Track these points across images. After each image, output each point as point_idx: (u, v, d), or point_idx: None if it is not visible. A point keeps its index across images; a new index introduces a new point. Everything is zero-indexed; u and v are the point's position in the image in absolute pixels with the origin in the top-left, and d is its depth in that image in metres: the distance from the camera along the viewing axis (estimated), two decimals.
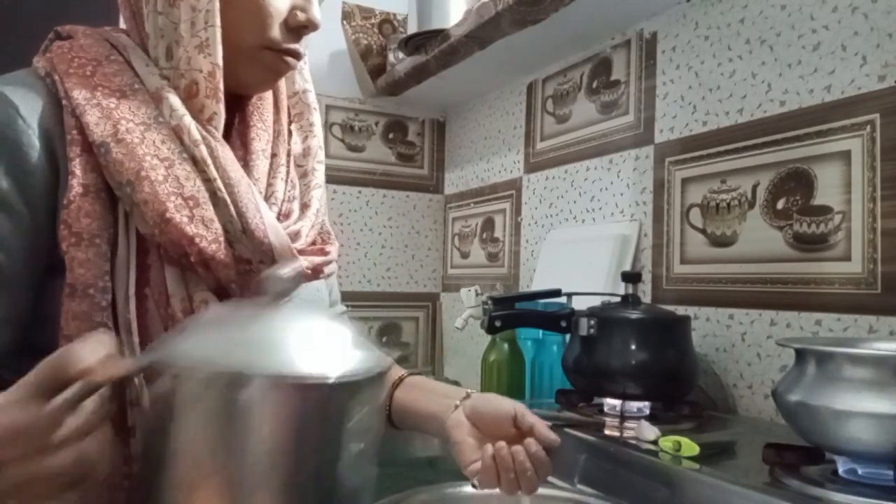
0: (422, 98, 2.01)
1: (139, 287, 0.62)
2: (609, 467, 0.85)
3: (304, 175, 0.76)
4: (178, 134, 0.64)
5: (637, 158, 1.41)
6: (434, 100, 2.06)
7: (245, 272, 0.65)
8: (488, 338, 1.45)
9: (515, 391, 1.40)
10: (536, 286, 1.62)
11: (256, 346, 0.46)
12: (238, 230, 0.64)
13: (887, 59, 0.97)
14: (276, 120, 0.76)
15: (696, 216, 1.26)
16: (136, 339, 0.60)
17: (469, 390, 0.80)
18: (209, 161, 0.64)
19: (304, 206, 0.73)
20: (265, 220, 0.65)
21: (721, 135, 1.22)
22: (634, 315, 1.07)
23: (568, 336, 1.16)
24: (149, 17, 0.68)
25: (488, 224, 1.96)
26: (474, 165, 2.04)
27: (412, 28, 1.71)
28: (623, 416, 1.01)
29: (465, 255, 2.06)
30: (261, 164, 0.71)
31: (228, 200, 0.64)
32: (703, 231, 1.24)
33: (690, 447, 0.81)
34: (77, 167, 0.61)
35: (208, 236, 0.62)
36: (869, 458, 0.68)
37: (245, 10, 0.67)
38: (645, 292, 1.34)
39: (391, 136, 2.10)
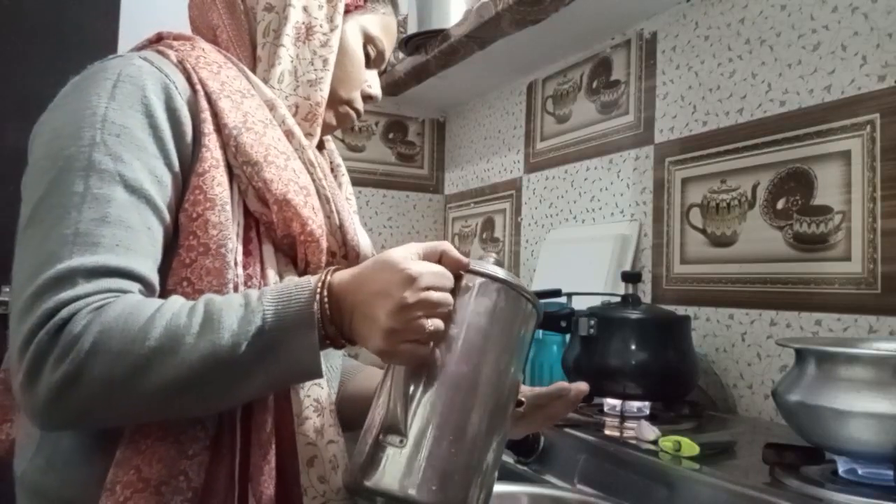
0: (422, 98, 2.01)
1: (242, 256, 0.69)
2: (609, 467, 0.85)
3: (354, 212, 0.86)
4: (288, 137, 0.73)
5: (637, 158, 1.41)
6: (434, 100, 2.06)
7: (328, 263, 0.72)
8: None
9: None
10: (536, 286, 1.61)
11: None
12: (336, 225, 0.72)
13: (887, 59, 0.97)
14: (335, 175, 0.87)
15: (696, 216, 1.26)
16: None
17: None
18: (315, 164, 0.73)
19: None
20: (355, 223, 0.75)
21: (721, 135, 1.22)
22: (634, 315, 1.07)
23: (568, 336, 1.16)
24: (265, 47, 0.77)
25: (488, 224, 1.96)
26: (474, 165, 2.04)
27: (412, 28, 1.71)
28: (623, 416, 1.01)
29: (465, 256, 2.05)
30: (342, 195, 0.80)
31: (330, 198, 0.72)
32: (703, 231, 1.24)
33: (690, 447, 0.81)
34: (210, 142, 0.67)
35: (316, 221, 0.70)
36: (869, 458, 0.68)
37: (347, 71, 0.80)
38: (645, 292, 1.34)
39: (391, 136, 2.10)
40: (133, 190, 0.62)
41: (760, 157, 1.14)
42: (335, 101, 0.81)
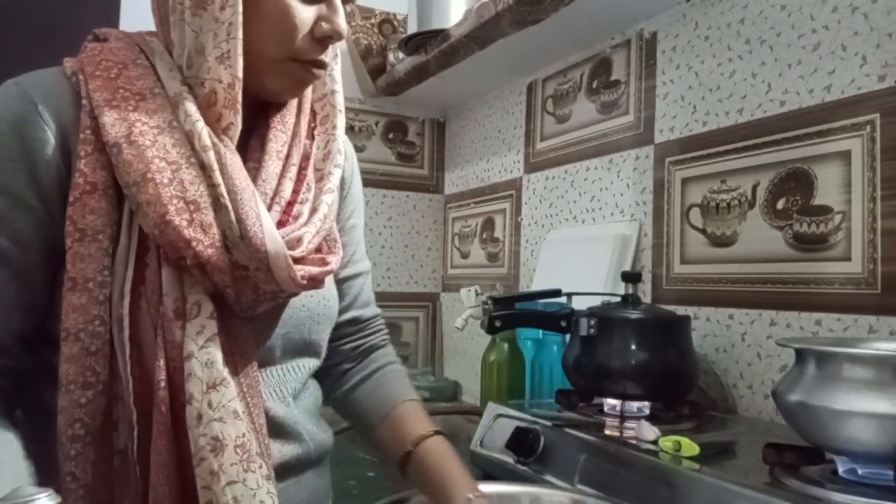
0: (422, 98, 2.01)
1: (135, 284, 0.64)
2: (609, 467, 0.85)
3: (320, 179, 0.76)
4: (189, 139, 0.66)
5: (637, 158, 1.41)
6: (434, 100, 2.06)
7: (241, 277, 0.66)
8: (488, 338, 1.45)
9: (515, 391, 1.40)
10: (536, 286, 1.61)
11: None
12: (236, 236, 0.65)
13: (887, 59, 0.97)
14: (297, 122, 0.77)
15: (696, 216, 1.26)
16: (125, 334, 0.62)
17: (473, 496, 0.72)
18: (216, 167, 0.65)
19: (313, 211, 0.74)
20: (264, 228, 0.66)
21: (721, 135, 1.22)
22: (634, 315, 1.07)
23: (568, 336, 1.16)
24: (175, 26, 0.68)
25: (488, 224, 1.96)
26: (474, 165, 2.04)
27: (412, 28, 1.71)
28: (623, 416, 1.01)
29: (465, 255, 2.06)
30: (272, 165, 0.72)
31: (230, 207, 0.65)
32: (703, 231, 1.24)
33: (690, 447, 0.81)
34: (86, 165, 0.63)
35: (205, 240, 0.63)
36: (869, 458, 0.68)
37: (271, 22, 0.68)
38: (645, 292, 1.34)
39: (391, 136, 2.10)
40: None
41: (760, 157, 1.14)
42: (273, 63, 0.70)
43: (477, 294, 1.54)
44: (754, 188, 1.15)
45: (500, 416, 1.08)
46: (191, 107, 0.66)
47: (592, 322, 1.06)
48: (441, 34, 1.61)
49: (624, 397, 1.03)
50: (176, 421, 0.63)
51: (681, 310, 1.23)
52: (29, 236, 0.63)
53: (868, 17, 1.00)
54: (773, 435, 0.89)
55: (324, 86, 0.80)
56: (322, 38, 0.70)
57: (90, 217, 0.62)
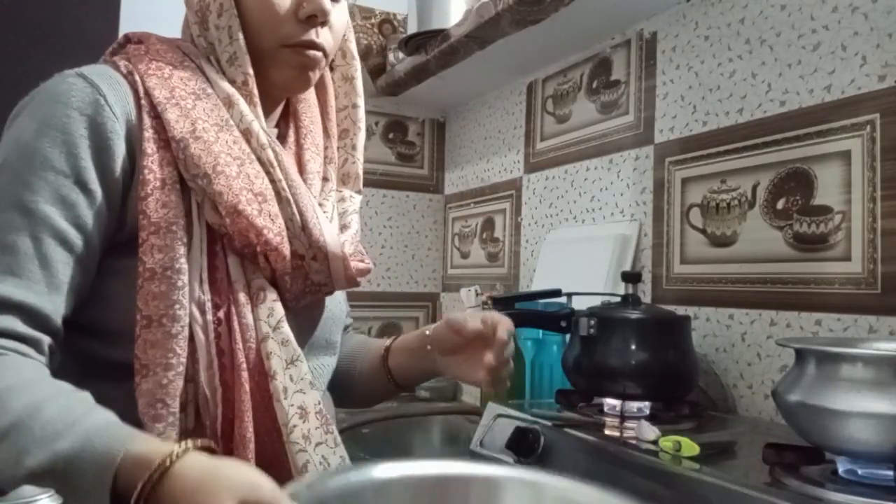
0: (422, 98, 2.01)
1: (207, 272, 0.68)
2: (609, 467, 0.85)
3: (341, 200, 0.82)
4: (246, 137, 0.70)
5: (637, 158, 1.41)
6: (434, 100, 2.06)
7: (298, 266, 0.71)
8: None
9: (515, 391, 1.40)
10: (536, 286, 1.61)
11: None
12: (298, 227, 0.70)
13: (887, 59, 0.97)
14: (327, 146, 0.82)
15: (696, 216, 1.26)
16: (209, 317, 0.66)
17: (427, 331, 0.88)
18: (275, 163, 0.70)
19: (344, 227, 0.79)
20: (321, 221, 0.72)
21: (721, 135, 1.22)
22: (634, 315, 1.07)
23: (568, 336, 1.16)
24: (199, 41, 0.75)
25: (488, 224, 1.96)
26: (474, 165, 2.04)
27: (412, 28, 1.71)
28: (623, 416, 1.01)
29: (465, 255, 2.06)
30: (316, 185, 0.77)
31: (291, 199, 0.70)
32: (703, 231, 1.24)
33: (690, 447, 0.81)
34: (153, 162, 0.65)
35: (273, 229, 0.68)
36: (869, 458, 0.68)
37: (255, 14, 0.71)
38: (645, 292, 1.34)
39: (391, 136, 2.10)
40: (29, 215, 0.61)
41: (760, 157, 1.14)
42: (269, 55, 0.73)
43: (477, 294, 1.54)
44: (754, 188, 1.15)
45: (500, 416, 1.08)
46: (245, 107, 0.70)
47: (592, 322, 1.06)
48: (441, 34, 1.61)
49: (624, 397, 1.03)
50: (257, 395, 0.67)
51: (681, 310, 1.23)
52: (91, 224, 0.64)
53: (868, 17, 1.00)
54: (773, 435, 0.89)
55: (345, 96, 0.84)
56: (307, 19, 0.72)
57: (163, 211, 0.65)
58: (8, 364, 0.58)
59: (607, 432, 0.94)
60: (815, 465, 0.73)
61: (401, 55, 1.83)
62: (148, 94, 0.67)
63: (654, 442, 0.86)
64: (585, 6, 1.34)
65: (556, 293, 1.19)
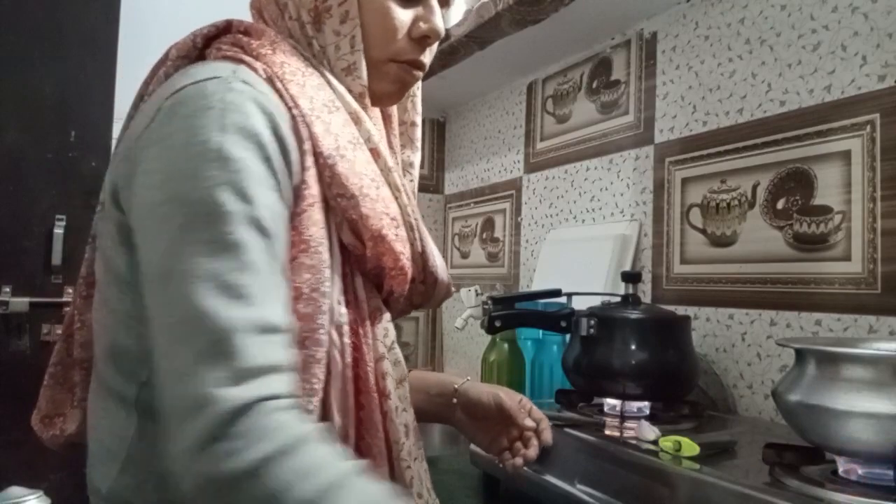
0: (422, 98, 2.01)
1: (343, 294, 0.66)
2: (609, 467, 0.85)
3: None
4: (375, 157, 0.67)
5: (637, 158, 1.41)
6: (434, 100, 2.06)
7: (409, 290, 0.71)
8: (488, 338, 1.45)
9: (515, 391, 1.39)
10: (536, 286, 1.61)
11: None
12: (418, 252, 0.70)
13: (887, 59, 0.97)
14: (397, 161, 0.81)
15: (696, 216, 1.26)
16: (346, 340, 0.64)
17: (456, 385, 0.88)
18: (401, 187, 0.69)
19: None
20: (434, 247, 0.73)
21: (721, 135, 1.22)
22: (634, 315, 1.07)
23: (568, 336, 1.16)
24: (312, 42, 0.70)
25: (488, 224, 1.96)
26: (474, 165, 2.04)
27: None
28: (623, 416, 1.01)
29: (465, 255, 2.06)
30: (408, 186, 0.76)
31: (414, 225, 0.69)
32: (703, 231, 1.24)
33: (690, 447, 0.81)
34: (310, 178, 0.62)
35: (406, 254, 0.68)
36: (869, 458, 0.68)
37: (372, 25, 0.69)
38: (645, 292, 1.34)
39: None
40: (261, 230, 0.56)
41: (760, 157, 1.14)
42: (375, 65, 0.70)
43: (477, 294, 1.54)
44: (754, 188, 1.15)
45: None
46: (370, 125, 0.67)
47: (592, 322, 1.06)
48: None
49: (624, 397, 1.03)
50: (379, 415, 0.66)
51: (681, 310, 1.23)
52: (284, 231, 0.60)
53: (868, 17, 1.00)
54: (773, 435, 0.89)
55: (405, 111, 0.82)
56: (420, 39, 0.70)
57: (313, 229, 0.61)
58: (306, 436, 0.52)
59: (607, 432, 0.94)
60: (815, 465, 0.73)
61: None
62: (295, 103, 0.61)
63: (654, 442, 0.86)
64: (585, 6, 1.34)
65: (556, 293, 1.19)
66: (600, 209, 1.51)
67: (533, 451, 0.86)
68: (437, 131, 2.18)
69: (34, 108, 1.76)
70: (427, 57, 0.73)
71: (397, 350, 0.69)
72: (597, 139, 1.54)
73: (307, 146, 0.61)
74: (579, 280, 1.40)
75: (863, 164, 0.99)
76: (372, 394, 0.65)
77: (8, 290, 1.74)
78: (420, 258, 0.70)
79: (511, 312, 1.13)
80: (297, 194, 0.61)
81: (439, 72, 1.74)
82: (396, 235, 0.66)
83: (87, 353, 0.69)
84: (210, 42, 0.67)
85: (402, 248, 0.67)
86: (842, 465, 0.71)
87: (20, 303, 1.73)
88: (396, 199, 0.68)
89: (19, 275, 1.75)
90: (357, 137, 0.66)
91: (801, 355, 0.73)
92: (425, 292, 0.74)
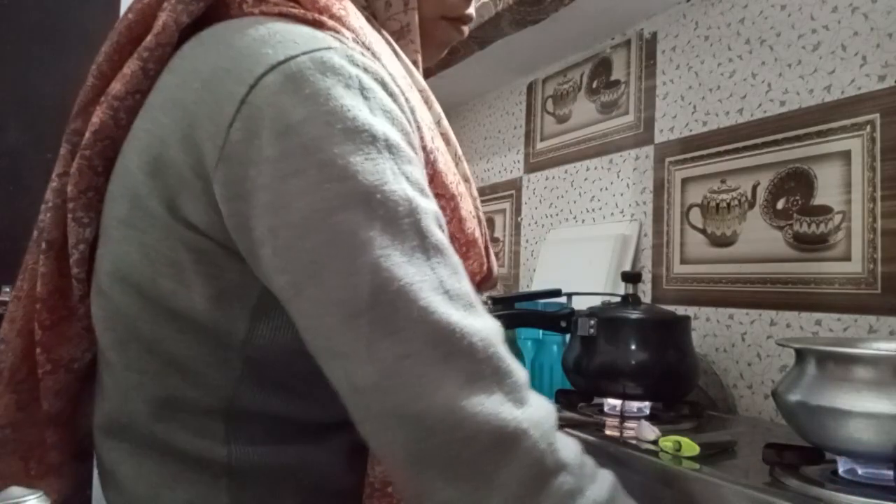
0: None
1: None
2: (609, 467, 0.85)
3: None
4: (445, 142, 0.58)
5: (637, 158, 1.41)
6: None
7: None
8: None
9: None
10: (536, 286, 1.61)
11: None
12: (487, 249, 0.62)
13: (887, 59, 0.97)
14: None
15: (696, 216, 1.26)
16: None
17: None
18: (470, 178, 0.61)
19: None
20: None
21: (721, 135, 1.22)
22: (634, 315, 1.07)
23: (568, 336, 1.16)
24: None
25: (488, 224, 1.96)
26: (474, 165, 2.04)
27: None
28: (623, 416, 1.01)
29: None
30: None
31: (482, 220, 0.62)
32: (703, 231, 1.24)
33: (690, 447, 0.80)
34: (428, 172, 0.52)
35: (485, 254, 0.60)
36: (869, 458, 0.68)
37: None
38: (645, 292, 1.34)
39: None
40: (442, 227, 0.48)
41: (760, 157, 1.14)
42: (425, 23, 0.62)
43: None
44: (754, 188, 1.15)
45: None
46: (438, 107, 0.59)
47: (592, 322, 1.06)
48: None
49: (624, 397, 1.03)
50: None
51: (681, 310, 1.23)
52: None
53: (868, 17, 1.00)
54: (773, 435, 0.89)
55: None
56: None
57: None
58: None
59: (607, 432, 0.94)
60: (815, 465, 0.73)
61: None
62: (396, 82, 0.50)
63: (654, 442, 0.86)
64: (585, 6, 1.34)
65: (556, 293, 1.19)
66: (600, 209, 1.51)
67: None
68: None
69: (34, 108, 1.76)
70: (473, 8, 0.66)
71: None
72: (597, 139, 1.54)
73: (421, 133, 0.52)
74: (579, 280, 1.40)
75: (863, 164, 0.99)
76: None
77: (8, 290, 1.74)
78: (485, 253, 0.62)
79: (511, 312, 1.13)
80: None
81: (439, 72, 1.74)
82: (482, 235, 0.59)
83: (62, 403, 0.57)
84: None
85: (484, 250, 0.60)
86: (842, 465, 0.71)
87: None
88: (469, 192, 0.60)
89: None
90: (432, 122, 0.56)
91: (801, 355, 0.73)
92: (479, 284, 0.66)
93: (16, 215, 1.82)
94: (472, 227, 0.57)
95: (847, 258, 1.00)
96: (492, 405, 0.43)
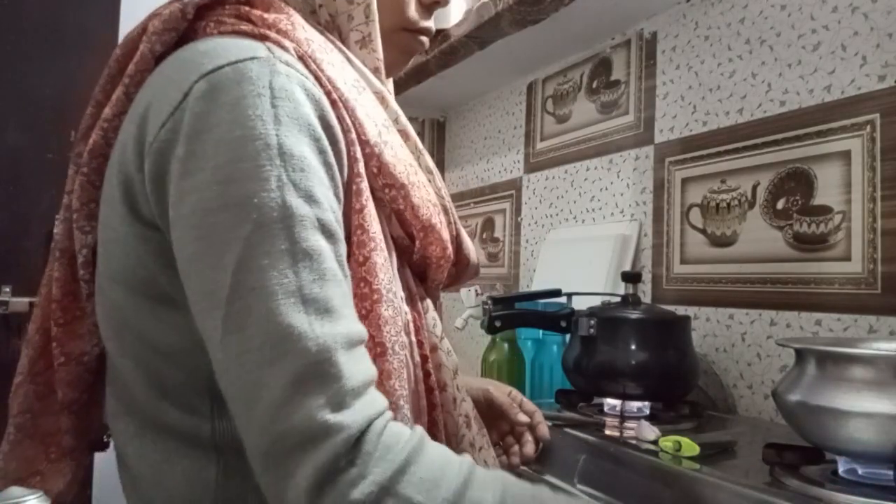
0: (422, 98, 2.01)
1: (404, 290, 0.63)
2: (609, 467, 0.85)
3: None
4: (404, 139, 0.63)
5: (637, 158, 1.41)
6: (434, 100, 2.06)
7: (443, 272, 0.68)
8: (488, 338, 1.45)
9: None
10: (536, 286, 1.61)
11: None
12: (453, 236, 0.66)
13: (887, 59, 0.97)
14: None
15: (696, 216, 1.26)
16: (413, 338, 0.61)
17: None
18: (433, 170, 0.66)
19: None
20: (462, 228, 0.69)
21: (721, 135, 1.22)
22: (634, 315, 1.07)
23: (568, 336, 1.16)
24: (318, 10, 0.63)
25: (488, 224, 1.96)
26: (474, 165, 2.04)
27: None
28: (623, 416, 1.01)
29: None
30: None
31: (449, 207, 0.66)
32: (703, 231, 1.24)
33: (690, 447, 0.81)
34: (362, 168, 0.56)
35: (448, 240, 0.64)
36: (869, 458, 0.68)
37: None
38: (645, 292, 1.34)
39: None
40: (328, 235, 0.51)
41: (760, 157, 1.14)
42: (385, 34, 0.66)
43: (477, 294, 1.54)
44: (754, 188, 1.15)
45: None
46: (395, 105, 0.64)
47: (592, 322, 1.06)
48: (441, 34, 1.61)
49: (624, 397, 1.03)
50: (430, 407, 0.63)
51: (681, 310, 1.23)
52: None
53: (868, 17, 1.00)
54: (773, 435, 0.89)
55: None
56: (429, 5, 0.69)
57: (375, 225, 0.56)
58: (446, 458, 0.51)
59: (607, 432, 0.94)
60: (815, 465, 0.73)
61: None
62: (334, 86, 0.55)
63: (654, 442, 0.86)
64: (585, 6, 1.34)
65: (556, 293, 1.19)
66: (600, 209, 1.51)
67: (530, 448, 0.86)
68: (436, 131, 2.18)
69: (34, 108, 1.76)
70: (433, 22, 0.71)
71: (446, 340, 0.65)
72: (597, 139, 1.54)
73: (353, 135, 0.55)
74: (579, 280, 1.40)
75: (863, 164, 0.99)
76: (434, 389, 0.63)
77: (8, 290, 1.74)
78: (455, 241, 0.67)
79: (511, 312, 1.13)
80: (354, 188, 0.56)
81: (439, 72, 1.74)
82: (441, 222, 0.63)
83: (76, 393, 0.62)
84: (203, 13, 0.58)
85: (447, 236, 0.64)
86: (842, 465, 0.71)
87: (20, 303, 1.74)
88: (431, 182, 0.65)
89: (19, 275, 1.75)
90: (387, 120, 0.61)
91: (801, 355, 0.73)
92: (456, 275, 0.70)
93: (16, 215, 1.83)
94: (429, 213, 0.60)
95: (847, 258, 1.00)
96: (308, 408, 0.46)
